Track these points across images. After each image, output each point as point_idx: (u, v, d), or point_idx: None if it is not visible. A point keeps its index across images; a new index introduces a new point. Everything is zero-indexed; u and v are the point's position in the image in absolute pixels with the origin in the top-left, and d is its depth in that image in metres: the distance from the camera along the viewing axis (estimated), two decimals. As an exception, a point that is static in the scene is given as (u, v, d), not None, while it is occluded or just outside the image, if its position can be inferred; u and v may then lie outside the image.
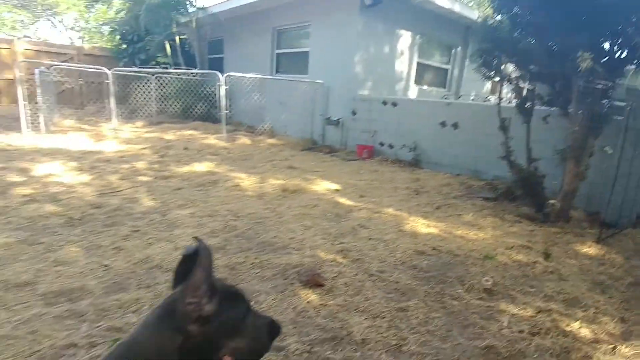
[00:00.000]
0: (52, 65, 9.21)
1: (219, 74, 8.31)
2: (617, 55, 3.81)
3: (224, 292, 0.88)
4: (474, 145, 6.14)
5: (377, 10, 7.88)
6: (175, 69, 11.67)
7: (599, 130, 3.94)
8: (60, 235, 3.16)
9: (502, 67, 4.82)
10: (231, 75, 8.70)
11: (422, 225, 3.93)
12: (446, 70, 10.42)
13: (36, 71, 7.53)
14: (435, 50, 10.02)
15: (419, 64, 9.42)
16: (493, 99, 7.40)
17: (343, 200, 4.69)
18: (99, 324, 2.05)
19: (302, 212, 4.15)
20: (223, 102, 8.23)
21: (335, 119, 8.48)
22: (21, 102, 7.02)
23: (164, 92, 10.89)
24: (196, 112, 10.75)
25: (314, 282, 2.67)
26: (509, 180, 5.10)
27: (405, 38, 8.88)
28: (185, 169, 5.74)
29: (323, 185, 5.29)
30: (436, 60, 10.11)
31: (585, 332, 2.26)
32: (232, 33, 11.67)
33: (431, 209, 4.53)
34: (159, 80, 10.70)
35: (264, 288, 2.58)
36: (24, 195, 4.04)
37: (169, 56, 12.63)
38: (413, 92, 9.45)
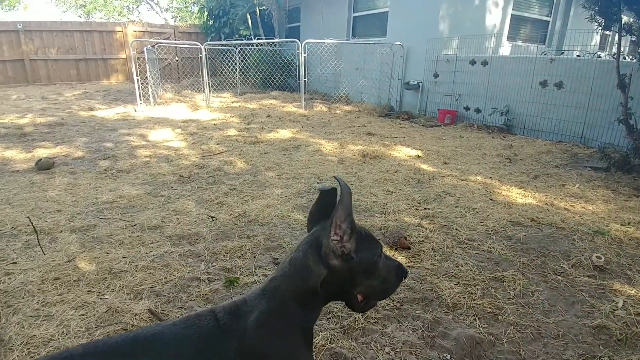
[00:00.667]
0: (156, 44, 10.05)
1: (298, 42, 8.31)
2: None
3: (361, 233, 0.90)
4: (581, 107, 5.36)
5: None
6: (256, 39, 11.98)
7: None
8: (175, 190, 3.65)
9: (621, 16, 4.05)
10: (309, 42, 8.65)
11: (517, 195, 3.60)
12: (546, 23, 9.12)
13: (145, 49, 8.31)
14: (535, 1, 8.78)
15: (513, 16, 8.37)
16: (604, 55, 6.33)
17: (425, 166, 4.48)
18: (213, 264, 2.37)
19: (383, 177, 4.07)
20: (302, 70, 8.26)
21: (415, 82, 8.03)
22: (135, 77, 7.84)
23: (246, 64, 11.29)
24: (275, 82, 11.00)
25: (400, 244, 2.63)
26: (626, 148, 4.41)
27: (499, -11, 7.91)
28: (270, 135, 5.97)
29: (403, 152, 5.11)
30: (535, 12, 8.89)
31: None
32: (309, 0, 11.51)
33: (528, 179, 4.12)
34: (241, 53, 11.10)
35: (349, 249, 2.61)
36: (146, 156, 4.71)
37: (250, 28, 12.96)
38: (505, 49, 8.47)
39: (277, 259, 2.46)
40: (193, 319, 0.82)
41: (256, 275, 2.28)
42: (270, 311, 0.83)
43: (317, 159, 4.73)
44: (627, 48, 5.54)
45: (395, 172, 4.27)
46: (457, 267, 2.37)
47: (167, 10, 27.51)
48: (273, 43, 11.00)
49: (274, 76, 11.03)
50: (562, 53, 8.52)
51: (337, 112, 8.46)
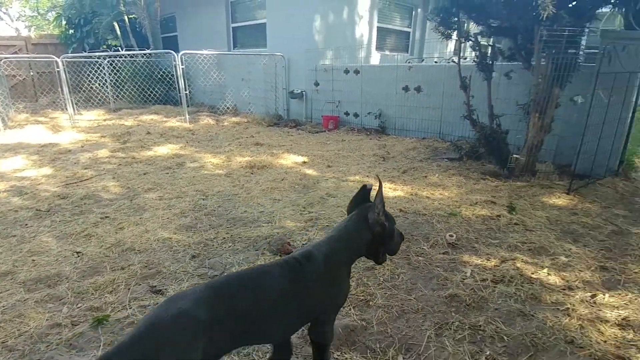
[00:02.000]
0: (1, 59, 8.49)
1: (174, 53, 7.92)
2: None
3: (387, 212, 1.50)
4: (437, 107, 6.22)
5: (333, -25, 7.65)
6: (127, 50, 11.02)
7: (565, 80, 3.96)
8: (30, 227, 3.16)
9: (463, 24, 4.85)
10: (187, 54, 8.32)
11: (389, 190, 4.00)
12: (408, 33, 10.37)
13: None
14: (395, 13, 9.91)
15: (379, 28, 9.31)
16: (456, 60, 7.48)
17: (310, 171, 4.69)
18: (78, 305, 2.12)
19: (270, 187, 4.13)
20: (181, 82, 7.89)
21: (299, 91, 8.34)
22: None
23: (119, 77, 10.31)
24: (155, 96, 10.28)
25: (284, 250, 2.70)
26: (473, 139, 5.24)
27: (363, 2, 8.72)
28: (150, 153, 5.55)
29: (290, 159, 5.26)
30: (397, 24, 10.03)
31: (554, 279, 2.35)
32: (185, 8, 11.08)
33: (398, 174, 4.61)
34: (111, 65, 10.10)
35: (236, 260, 2.59)
36: (-12, 192, 3.94)
37: (120, 38, 11.89)
38: (375, 58, 9.38)
39: (156, 286, 2.30)
40: (285, 262, 1.34)
41: (130, 308, 2.10)
42: (331, 258, 1.38)
43: (203, 175, 4.57)
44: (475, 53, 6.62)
45: (282, 180, 4.37)
46: (337, 263, 2.53)
47: (18, 19, 23.57)
48: (147, 54, 10.28)
49: (153, 90, 10.30)
50: (423, 60, 9.82)
51: (225, 124, 8.29)
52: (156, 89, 10.25)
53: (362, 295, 2.16)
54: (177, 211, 3.45)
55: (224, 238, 2.93)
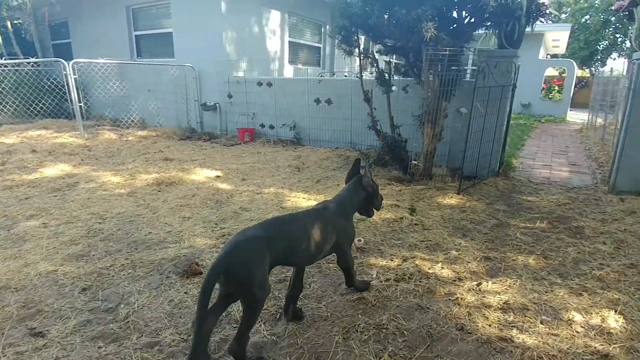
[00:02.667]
0: None
1: (63, 62, 7.12)
2: (465, 21, 4.31)
3: (373, 180, 2.26)
4: (347, 118, 6.53)
5: (241, -13, 7.64)
6: (9, 59, 9.62)
7: (450, 93, 4.45)
8: None
9: (361, 42, 5.18)
10: (79, 62, 7.56)
11: (302, 199, 4.07)
12: (319, 48, 10.77)
13: None
14: (306, 28, 10.23)
15: (291, 42, 9.52)
16: (365, 74, 7.96)
17: (224, 186, 4.55)
18: None
19: (179, 204, 3.91)
20: (74, 93, 7.12)
21: (212, 103, 8.10)
22: None
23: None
24: (44, 109, 9.10)
25: (191, 271, 2.56)
26: (379, 148, 5.60)
27: (274, 17, 8.85)
28: (34, 175, 4.86)
29: (203, 174, 5.05)
30: (308, 39, 10.36)
31: (447, 272, 2.59)
32: (79, 14, 10.07)
33: (312, 183, 4.71)
34: (-14, 73, 8.70)
35: (136, 288, 2.38)
36: None
37: (1, 45, 10.35)
38: (289, 71, 9.55)
39: (35, 328, 2.01)
40: (311, 210, 2.03)
41: (5, 356, 1.79)
42: (340, 207, 2.07)
43: (100, 196, 4.14)
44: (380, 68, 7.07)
45: (193, 196, 4.17)
46: (248, 279, 2.47)
47: None
48: (33, 63, 9.10)
49: (41, 102, 9.11)
50: (334, 74, 10.26)
51: (130, 138, 7.67)
52: (45, 101, 9.09)
53: (274, 309, 2.14)
54: (65, 239, 3.07)
55: (123, 265, 2.68)
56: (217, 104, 8.12)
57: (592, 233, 3.34)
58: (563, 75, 15.28)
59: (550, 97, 14.78)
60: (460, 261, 2.77)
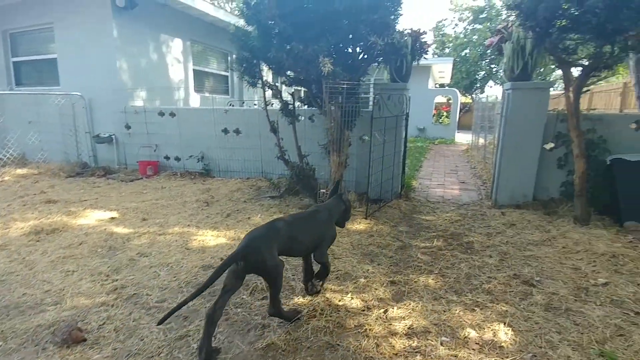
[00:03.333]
0: None
1: None
2: (360, 56, 4.60)
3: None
4: (257, 148, 6.47)
5: (137, 14, 7.22)
6: None
7: (351, 123, 4.68)
8: None
9: (265, 73, 5.22)
10: None
11: (211, 238, 3.83)
12: (226, 77, 10.63)
13: None
14: (211, 57, 10.05)
15: (195, 71, 9.24)
16: (275, 104, 8.02)
17: (120, 229, 4.09)
18: None
19: (62, 255, 3.38)
20: None
21: (107, 135, 7.37)
22: None
23: None
24: None
25: (72, 339, 2.18)
26: (290, 177, 5.61)
27: (176, 45, 8.53)
28: None
29: (94, 216, 4.48)
30: (214, 67, 10.17)
31: (356, 302, 2.61)
32: None
33: (221, 218, 4.49)
34: None
35: (-7, 375, 1.93)
36: None
37: None
38: (195, 100, 9.22)
39: None
40: (311, 211, 2.70)
41: None
42: (328, 212, 2.69)
43: (-49, 254, 3.39)
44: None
45: (80, 244, 3.65)
46: (142, 340, 2.19)
47: None
48: None
49: None
50: (244, 103, 10.16)
51: (6, 178, 6.56)
52: None
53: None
54: None
55: (-17, 340, 2.18)
56: (113, 136, 7.41)
57: (480, 247, 3.72)
58: (450, 102, 17.38)
59: (440, 121, 16.65)
60: (369, 289, 2.83)
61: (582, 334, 2.24)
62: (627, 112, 10.29)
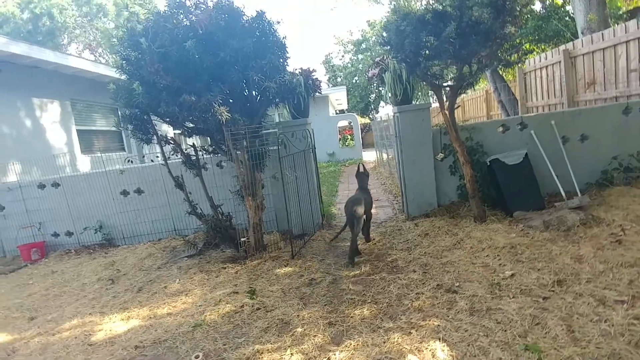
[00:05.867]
0: None
1: None
2: (257, 99, 4.57)
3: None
4: (165, 205, 5.99)
5: (2, 81, 6.33)
6: None
7: (261, 165, 4.59)
8: None
9: (159, 126, 4.91)
10: None
11: (120, 323, 3.34)
12: (119, 133, 9.84)
13: None
14: (98, 114, 9.24)
15: (81, 131, 8.38)
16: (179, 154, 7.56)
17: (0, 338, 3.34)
18: None
19: None
20: None
21: (-28, 223, 6.16)
22: None
23: None
24: None
25: None
26: (206, 231, 5.26)
27: (54, 107, 7.65)
28: None
29: (-39, 331, 3.61)
30: (103, 125, 9.35)
31: (297, 357, 2.44)
32: None
33: (132, 295, 3.97)
34: None
35: None
36: None
37: None
38: (84, 163, 8.30)
39: None
40: (360, 193, 4.72)
41: None
42: (367, 193, 4.75)
43: None
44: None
45: (-57, 373, 2.87)
46: None
47: None
48: None
49: None
50: (144, 157, 9.42)
51: None
52: None
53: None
54: None
55: None
56: (-20, 222, 6.21)
57: (403, 263, 3.87)
58: (351, 125, 18.51)
59: (347, 144, 17.59)
60: (307, 337, 2.70)
61: (505, 331, 2.41)
62: (493, 117, 12.04)
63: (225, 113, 3.71)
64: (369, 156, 17.20)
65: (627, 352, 2.02)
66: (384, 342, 2.51)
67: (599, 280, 2.80)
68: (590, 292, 2.66)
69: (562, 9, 11.11)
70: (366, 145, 21.00)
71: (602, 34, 6.37)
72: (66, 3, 23.46)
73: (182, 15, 4.22)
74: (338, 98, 19.48)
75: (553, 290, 2.80)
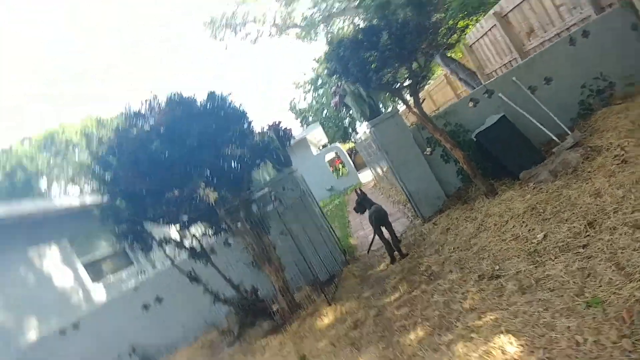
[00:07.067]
0: None
1: None
2: (238, 169, 4.60)
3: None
4: (189, 303, 5.82)
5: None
6: None
7: (264, 229, 4.57)
8: None
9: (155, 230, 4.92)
10: None
11: None
12: (123, 248, 9.79)
13: None
14: (98, 239, 9.24)
15: (86, 263, 8.34)
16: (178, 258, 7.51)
17: None
18: None
19: None
20: None
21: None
22: None
23: None
24: None
25: None
26: (236, 313, 5.12)
27: (52, 250, 7.66)
28: None
29: None
30: (105, 248, 9.33)
31: None
32: None
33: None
34: None
35: None
36: None
37: None
38: (98, 291, 8.18)
39: None
40: (375, 206, 4.92)
41: None
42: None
43: None
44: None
45: None
46: None
47: None
48: None
49: None
50: (155, 265, 9.35)
51: None
52: None
53: None
54: None
55: None
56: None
57: (437, 268, 3.74)
58: (338, 155, 18.71)
59: (341, 174, 17.68)
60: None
61: (562, 296, 2.28)
62: (462, 96, 12.26)
63: (212, 195, 3.73)
64: (366, 176, 17.23)
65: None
66: (450, 358, 2.36)
67: (625, 206, 2.71)
68: (622, 222, 2.56)
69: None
70: (359, 166, 21.15)
71: (520, -15, 6.65)
72: (34, 150, 24.30)
73: (140, 122, 4.35)
74: (316, 136, 19.83)
75: (588, 235, 2.70)
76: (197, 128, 4.10)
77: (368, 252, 5.15)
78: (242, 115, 4.57)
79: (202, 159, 4.18)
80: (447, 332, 2.63)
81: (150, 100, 4.31)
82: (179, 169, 4.14)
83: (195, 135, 4.08)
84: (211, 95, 4.49)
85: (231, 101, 4.58)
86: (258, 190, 5.35)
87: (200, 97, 4.48)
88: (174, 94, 4.34)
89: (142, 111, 4.34)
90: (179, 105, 4.25)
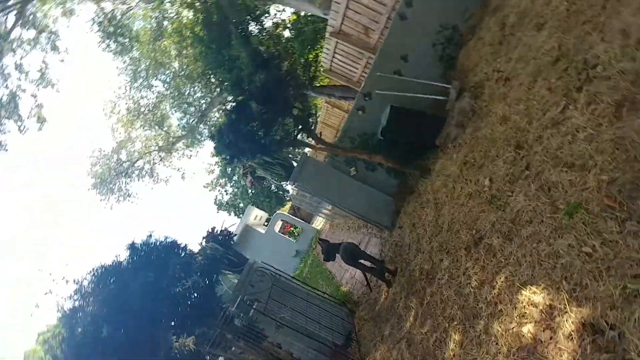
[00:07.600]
0: None
1: None
2: (199, 299, 4.21)
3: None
4: None
5: None
6: None
7: (259, 336, 4.14)
8: None
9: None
10: None
11: None
12: None
13: None
14: None
15: None
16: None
17: None
18: None
19: None
20: None
21: None
22: None
23: None
24: None
25: None
26: None
27: None
28: None
29: None
30: None
31: None
32: None
33: None
34: None
35: None
36: None
37: None
38: None
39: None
40: (345, 245, 5.04)
41: None
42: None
43: None
44: None
45: None
46: None
47: None
48: None
49: None
50: None
51: None
52: None
53: None
54: None
55: None
56: None
57: (428, 265, 3.66)
58: (285, 223, 18.52)
59: (297, 234, 17.42)
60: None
61: (541, 222, 2.31)
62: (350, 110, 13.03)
63: (188, 341, 3.33)
64: (318, 223, 17.16)
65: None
66: (496, 342, 2.22)
67: (534, 114, 2.91)
68: (542, 127, 2.73)
69: (295, 20, 12.75)
70: (307, 218, 21.05)
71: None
72: None
73: (79, 314, 3.89)
74: (255, 216, 19.45)
75: (523, 157, 2.83)
76: (135, 286, 3.71)
77: (370, 290, 5.01)
78: (173, 245, 4.28)
79: (159, 312, 3.76)
80: (476, 319, 2.51)
81: (77, 288, 3.89)
82: (143, 337, 3.66)
83: (137, 296, 3.67)
84: (132, 247, 4.16)
85: (155, 239, 4.28)
86: (230, 302, 4.94)
87: (123, 254, 4.13)
88: (98, 268, 3.97)
89: (76, 304, 3.88)
90: (108, 275, 3.86)
